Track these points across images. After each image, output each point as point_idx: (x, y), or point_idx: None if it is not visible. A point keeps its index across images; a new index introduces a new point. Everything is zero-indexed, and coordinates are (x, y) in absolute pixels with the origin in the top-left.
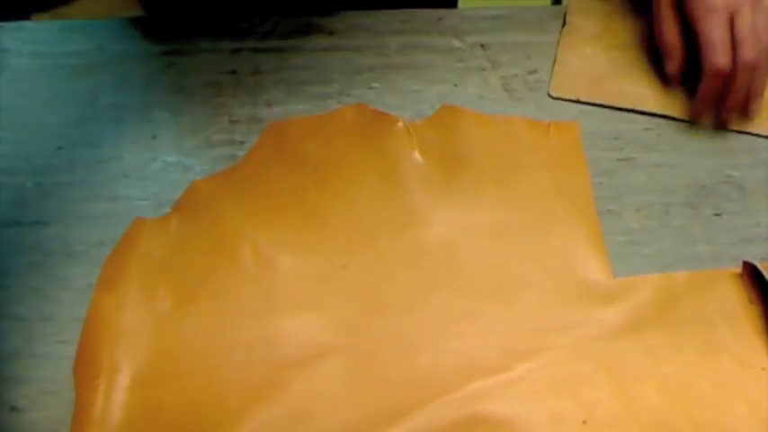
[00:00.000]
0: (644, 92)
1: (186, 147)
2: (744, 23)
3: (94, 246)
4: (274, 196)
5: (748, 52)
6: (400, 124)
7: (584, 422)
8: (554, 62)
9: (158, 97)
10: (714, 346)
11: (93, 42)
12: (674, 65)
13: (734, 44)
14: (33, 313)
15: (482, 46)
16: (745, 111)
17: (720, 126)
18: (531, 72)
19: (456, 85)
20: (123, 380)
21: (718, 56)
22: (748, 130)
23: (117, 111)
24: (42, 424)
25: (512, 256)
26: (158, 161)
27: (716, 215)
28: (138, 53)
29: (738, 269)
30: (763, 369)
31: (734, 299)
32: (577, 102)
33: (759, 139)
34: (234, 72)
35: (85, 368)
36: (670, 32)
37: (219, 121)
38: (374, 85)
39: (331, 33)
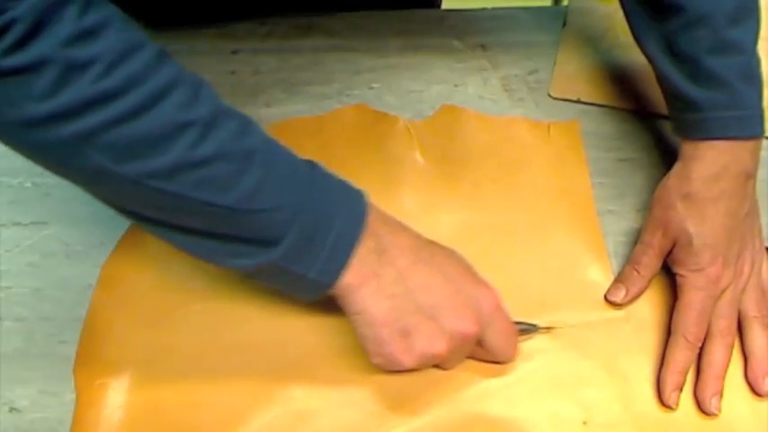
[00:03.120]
0: (644, 92)
1: None
2: (728, 299)
3: (94, 246)
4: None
5: (725, 326)
6: (400, 124)
7: (585, 422)
8: (554, 62)
9: None
10: None
11: None
12: (626, 296)
13: (712, 317)
14: (33, 313)
15: (482, 46)
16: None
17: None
18: (532, 72)
19: (456, 86)
20: (124, 380)
21: (692, 324)
22: None
23: None
24: (42, 424)
25: (512, 255)
26: None
27: None
28: None
29: None
30: None
31: None
32: (577, 102)
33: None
34: (234, 72)
35: (86, 368)
36: (649, 264)
37: None
38: (374, 85)
39: (331, 33)
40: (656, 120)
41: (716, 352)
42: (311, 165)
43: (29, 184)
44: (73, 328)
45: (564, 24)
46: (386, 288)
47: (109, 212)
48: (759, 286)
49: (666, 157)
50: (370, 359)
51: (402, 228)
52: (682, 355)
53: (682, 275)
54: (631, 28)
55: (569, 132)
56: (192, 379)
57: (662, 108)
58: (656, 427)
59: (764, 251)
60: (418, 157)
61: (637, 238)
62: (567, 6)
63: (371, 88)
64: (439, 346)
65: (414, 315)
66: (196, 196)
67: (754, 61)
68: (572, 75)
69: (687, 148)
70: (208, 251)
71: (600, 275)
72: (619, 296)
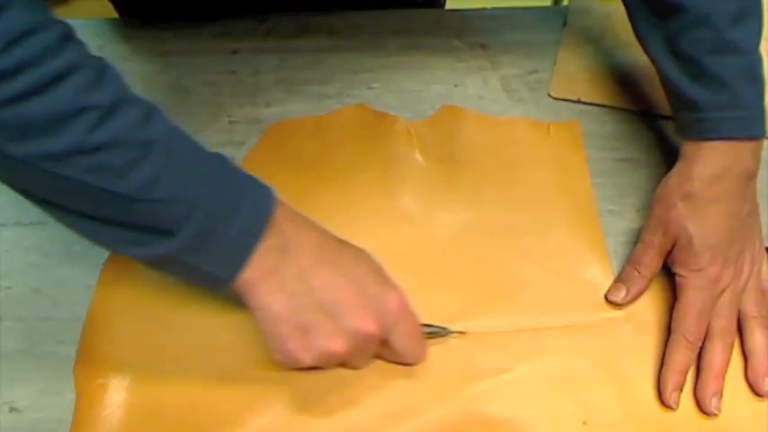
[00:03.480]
0: (644, 92)
1: None
2: (728, 299)
3: (94, 246)
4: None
5: (725, 326)
6: (400, 124)
7: (584, 422)
8: (554, 62)
9: (158, 97)
10: None
11: (93, 42)
12: (626, 296)
13: (712, 317)
14: (33, 313)
15: (482, 46)
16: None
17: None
18: (532, 72)
19: (456, 85)
20: (124, 379)
21: (692, 324)
22: None
23: None
24: (42, 424)
25: (512, 255)
26: None
27: None
28: (138, 53)
29: None
30: None
31: None
32: (577, 102)
33: None
34: (234, 72)
35: (86, 368)
36: (649, 264)
37: (219, 122)
38: (374, 85)
39: (331, 33)
40: (656, 120)
41: (715, 352)
42: (219, 159)
43: None
44: (73, 328)
45: (564, 24)
46: (287, 285)
47: None
48: (758, 286)
49: (666, 157)
50: (272, 355)
51: (310, 227)
52: (682, 355)
53: (682, 275)
54: (634, 28)
55: (569, 132)
56: (192, 379)
57: (662, 108)
58: (656, 427)
59: (764, 251)
60: (418, 156)
61: (637, 238)
62: (567, 6)
63: (371, 88)
64: (338, 345)
65: (314, 313)
66: (90, 182)
67: (756, 61)
68: (572, 75)
69: (688, 148)
70: (106, 238)
71: (600, 275)
72: (619, 296)
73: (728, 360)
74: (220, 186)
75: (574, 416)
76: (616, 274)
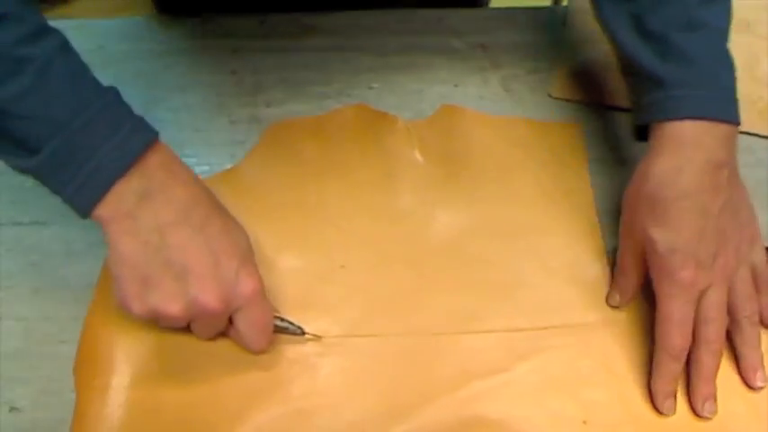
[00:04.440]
0: None
1: (186, 147)
2: (712, 302)
3: (94, 246)
4: (275, 196)
5: (712, 332)
6: (400, 124)
7: (585, 422)
8: (554, 62)
9: (158, 97)
10: None
11: (93, 42)
12: (621, 301)
13: (697, 322)
14: (34, 313)
15: (482, 46)
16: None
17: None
18: (532, 72)
19: (456, 85)
20: (124, 379)
21: (673, 336)
22: (749, 130)
23: None
24: (42, 424)
25: (512, 255)
26: None
27: None
28: (138, 53)
29: None
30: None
31: None
32: (577, 102)
33: (759, 140)
34: (234, 72)
35: (86, 367)
36: (629, 272)
37: (219, 121)
38: (374, 85)
39: (331, 33)
40: None
41: (703, 359)
42: (109, 92)
43: (29, 184)
44: (73, 327)
45: (564, 24)
46: (140, 233)
47: None
48: (749, 280)
49: None
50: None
51: (187, 183)
52: (667, 369)
53: (655, 283)
54: (598, 13)
55: (569, 132)
56: (192, 378)
57: None
58: (656, 427)
59: (758, 241)
60: (418, 156)
61: None
62: (566, 6)
63: (371, 88)
64: (173, 308)
65: (160, 269)
66: None
67: (725, 45)
68: (572, 75)
69: (650, 142)
70: None
71: (599, 275)
72: (615, 301)
73: (718, 364)
74: (93, 116)
75: (574, 416)
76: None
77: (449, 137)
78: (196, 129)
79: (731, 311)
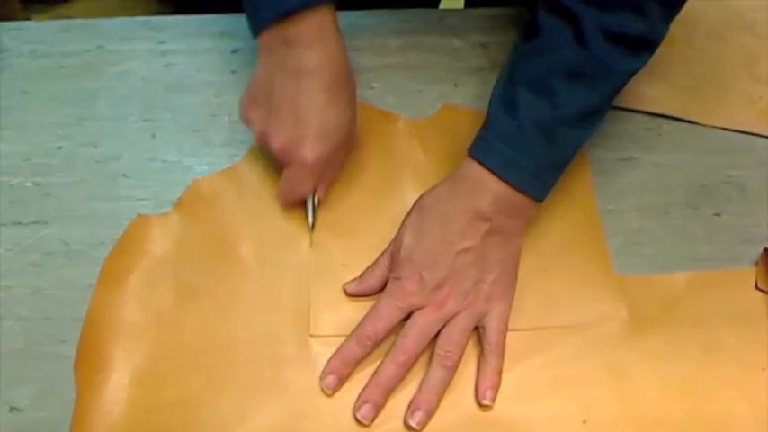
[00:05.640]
0: (644, 91)
1: (186, 147)
2: (415, 320)
3: (94, 246)
4: (276, 195)
5: (401, 344)
6: (401, 123)
7: (584, 422)
8: None
9: (158, 97)
10: (714, 346)
11: (93, 42)
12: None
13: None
14: (34, 313)
15: (482, 46)
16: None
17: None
18: None
19: (456, 85)
20: (124, 377)
21: (367, 325)
22: (749, 130)
23: (117, 110)
24: (42, 424)
25: None
26: (158, 161)
27: (716, 215)
28: (138, 53)
29: (739, 270)
30: (764, 369)
31: (734, 299)
32: None
33: (759, 139)
34: (234, 72)
35: (86, 365)
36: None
37: (219, 121)
38: (374, 85)
39: None
40: (657, 119)
41: (384, 366)
42: None
43: (29, 184)
44: (73, 327)
45: None
46: (277, 71)
47: (109, 212)
48: (462, 329)
49: (666, 157)
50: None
51: (327, 50)
52: (349, 351)
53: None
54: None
55: None
56: (193, 376)
57: (662, 108)
58: (657, 427)
59: (498, 308)
60: (420, 155)
61: (637, 239)
62: None
63: (371, 88)
64: (278, 141)
65: (284, 108)
66: None
67: (555, 127)
68: None
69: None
70: None
71: (600, 275)
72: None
73: (392, 375)
74: None
75: (574, 415)
76: (616, 274)
77: (450, 136)
78: (196, 129)
79: (435, 345)
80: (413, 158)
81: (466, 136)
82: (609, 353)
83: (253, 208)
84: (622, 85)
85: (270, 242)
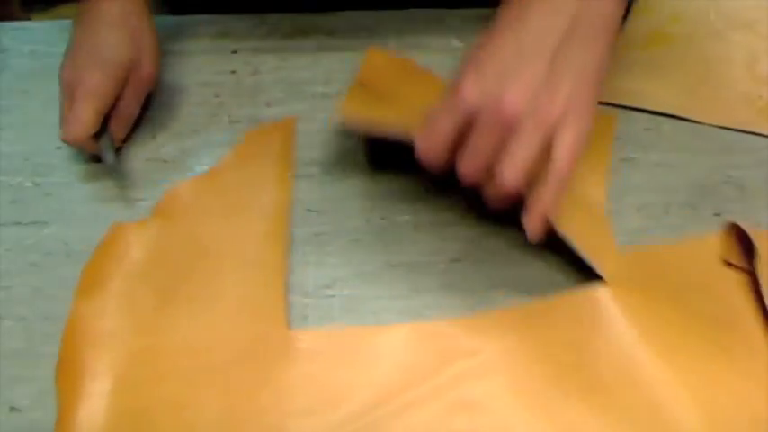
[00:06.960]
0: (644, 91)
1: (186, 147)
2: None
3: (94, 246)
4: (262, 195)
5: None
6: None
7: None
8: None
9: (158, 97)
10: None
11: None
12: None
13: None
14: (34, 313)
15: None
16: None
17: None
18: None
19: None
20: (105, 384)
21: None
22: (749, 129)
23: None
24: (42, 424)
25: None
26: (158, 161)
27: (716, 215)
28: None
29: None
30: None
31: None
32: None
33: (759, 139)
34: (234, 72)
35: (67, 373)
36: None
37: (219, 121)
38: None
39: (331, 33)
40: (657, 119)
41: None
42: None
43: (29, 184)
44: None
45: None
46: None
47: (109, 212)
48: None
49: (667, 156)
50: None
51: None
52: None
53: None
54: None
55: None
56: (175, 381)
57: (662, 107)
58: (657, 427)
59: (584, 112)
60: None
61: (637, 239)
62: None
63: None
64: (64, 75)
65: (77, 47)
66: None
67: None
68: None
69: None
70: None
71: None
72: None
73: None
74: None
75: (551, 393)
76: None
77: None
78: (196, 129)
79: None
80: None
81: None
82: (585, 328)
83: (230, 211)
84: None
85: (248, 244)
